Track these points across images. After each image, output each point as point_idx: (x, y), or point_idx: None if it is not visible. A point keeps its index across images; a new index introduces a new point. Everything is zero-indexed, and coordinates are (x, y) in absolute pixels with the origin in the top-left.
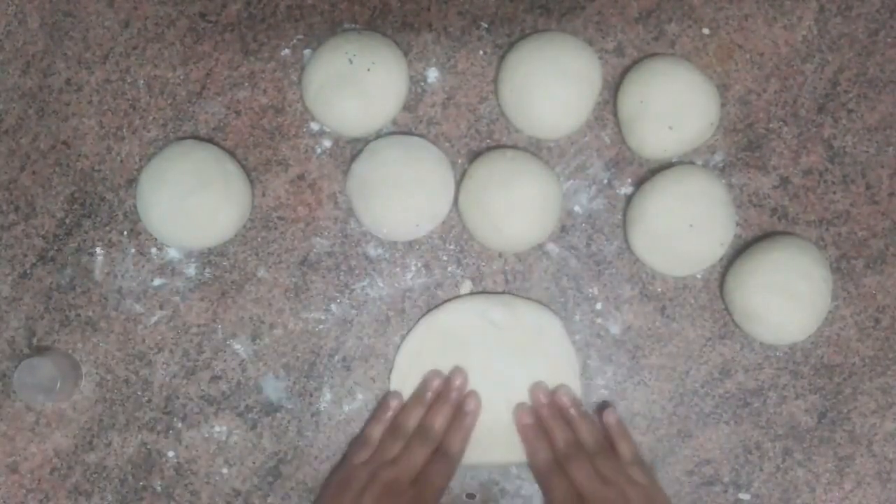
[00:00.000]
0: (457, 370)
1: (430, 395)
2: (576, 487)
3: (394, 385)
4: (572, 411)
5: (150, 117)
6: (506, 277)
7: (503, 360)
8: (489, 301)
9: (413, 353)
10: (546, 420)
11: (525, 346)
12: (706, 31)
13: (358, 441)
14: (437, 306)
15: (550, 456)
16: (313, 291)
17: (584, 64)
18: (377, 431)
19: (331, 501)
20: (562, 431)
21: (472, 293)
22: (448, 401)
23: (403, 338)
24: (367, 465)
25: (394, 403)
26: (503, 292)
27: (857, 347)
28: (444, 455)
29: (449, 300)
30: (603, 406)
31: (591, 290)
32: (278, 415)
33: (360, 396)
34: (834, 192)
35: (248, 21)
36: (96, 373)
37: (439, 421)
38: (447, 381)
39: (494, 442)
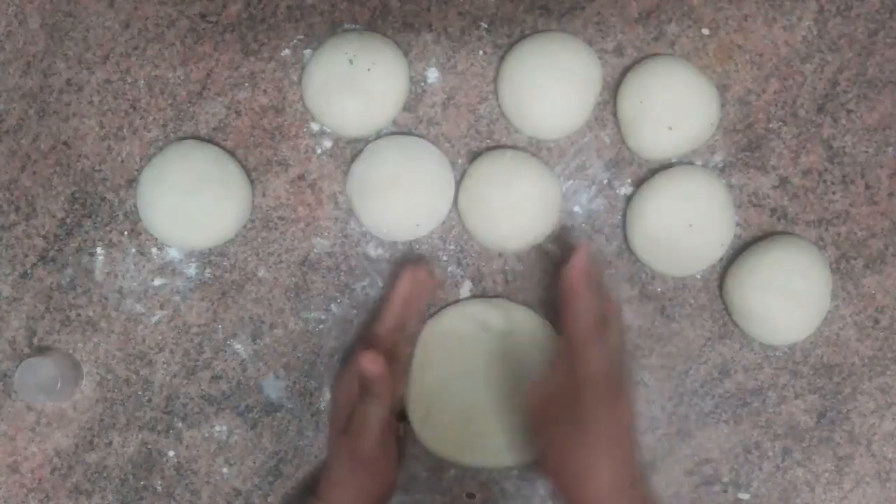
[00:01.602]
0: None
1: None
2: (607, 356)
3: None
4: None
5: (151, 117)
6: (506, 277)
7: (501, 366)
8: (487, 306)
9: (413, 361)
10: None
11: (522, 352)
12: (706, 31)
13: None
14: (435, 312)
15: (598, 313)
16: (313, 291)
17: (584, 64)
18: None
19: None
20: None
21: (470, 297)
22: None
23: None
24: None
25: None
26: (502, 295)
27: (857, 347)
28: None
29: (447, 305)
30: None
31: None
32: (278, 415)
33: None
34: (833, 193)
35: (249, 21)
36: (97, 372)
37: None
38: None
39: (494, 445)
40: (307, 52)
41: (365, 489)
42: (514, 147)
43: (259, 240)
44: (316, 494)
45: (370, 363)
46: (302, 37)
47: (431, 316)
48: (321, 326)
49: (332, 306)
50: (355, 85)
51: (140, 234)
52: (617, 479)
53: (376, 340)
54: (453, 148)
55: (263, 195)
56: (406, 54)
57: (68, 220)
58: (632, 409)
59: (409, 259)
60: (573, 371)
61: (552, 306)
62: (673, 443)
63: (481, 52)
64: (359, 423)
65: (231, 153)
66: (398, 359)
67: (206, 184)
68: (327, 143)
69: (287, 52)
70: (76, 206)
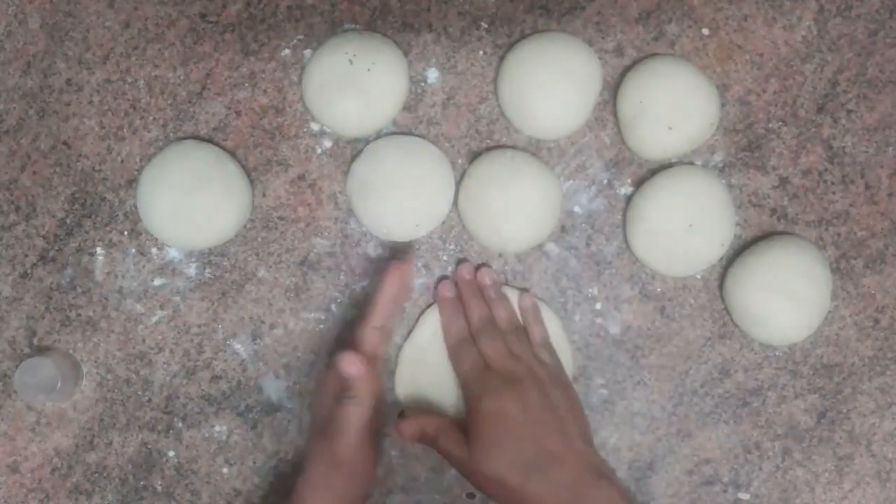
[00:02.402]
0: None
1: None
2: (484, 360)
3: (399, 391)
4: (491, 291)
5: (151, 117)
6: (506, 277)
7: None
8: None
9: (414, 357)
10: (465, 296)
11: None
12: (706, 31)
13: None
14: (432, 304)
15: (464, 328)
16: (313, 291)
17: (584, 64)
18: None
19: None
20: (478, 308)
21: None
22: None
23: (403, 340)
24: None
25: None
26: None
27: (857, 347)
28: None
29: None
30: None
31: (590, 290)
32: (278, 415)
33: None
34: (833, 193)
35: (249, 21)
36: (97, 372)
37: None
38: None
39: None
40: (307, 52)
41: (341, 492)
42: (514, 147)
43: (259, 240)
44: (290, 499)
45: (350, 364)
46: (302, 37)
47: (430, 307)
48: (321, 326)
49: (332, 306)
50: (355, 85)
51: (140, 234)
52: (519, 462)
53: (362, 340)
54: (453, 148)
55: (263, 195)
56: (406, 54)
57: (68, 220)
58: (543, 391)
59: (395, 255)
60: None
61: (551, 306)
62: (673, 443)
63: (481, 52)
64: (337, 425)
65: (231, 153)
66: (379, 358)
67: (206, 184)
68: (327, 143)
69: (287, 52)
70: (76, 206)
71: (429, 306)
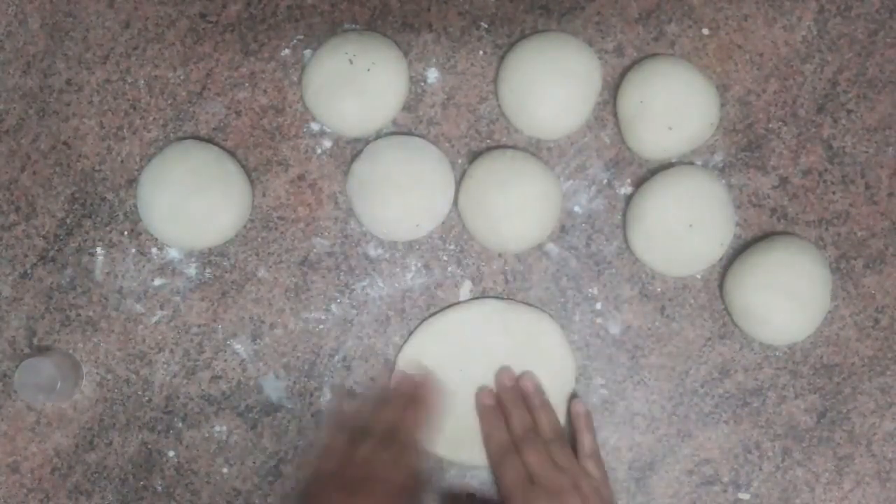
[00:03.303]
0: (422, 372)
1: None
2: (528, 471)
3: None
4: (534, 399)
5: (151, 117)
6: (506, 278)
7: (501, 365)
8: (487, 306)
9: (413, 360)
10: (506, 404)
11: (523, 350)
12: (706, 31)
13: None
14: (435, 313)
15: (506, 438)
16: (313, 291)
17: (584, 64)
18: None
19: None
20: (520, 416)
21: (470, 299)
22: (402, 394)
23: (403, 341)
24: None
25: (349, 407)
26: (502, 296)
27: (857, 347)
28: (394, 443)
29: (447, 307)
30: (573, 396)
31: (590, 290)
32: (278, 415)
33: (359, 396)
34: (833, 193)
35: (249, 21)
36: (97, 373)
37: (390, 414)
38: (405, 377)
39: None
40: (307, 52)
41: None
42: (514, 147)
43: (259, 240)
44: None
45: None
46: (302, 37)
47: (432, 315)
48: (321, 326)
49: (332, 306)
50: (355, 85)
51: (140, 234)
52: None
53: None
54: (453, 148)
55: (263, 195)
56: (406, 54)
57: (68, 220)
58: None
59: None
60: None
61: (550, 306)
62: (673, 443)
63: (481, 52)
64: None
65: (231, 153)
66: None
67: (206, 184)
68: (327, 143)
69: (287, 52)
70: (76, 206)
71: (429, 315)
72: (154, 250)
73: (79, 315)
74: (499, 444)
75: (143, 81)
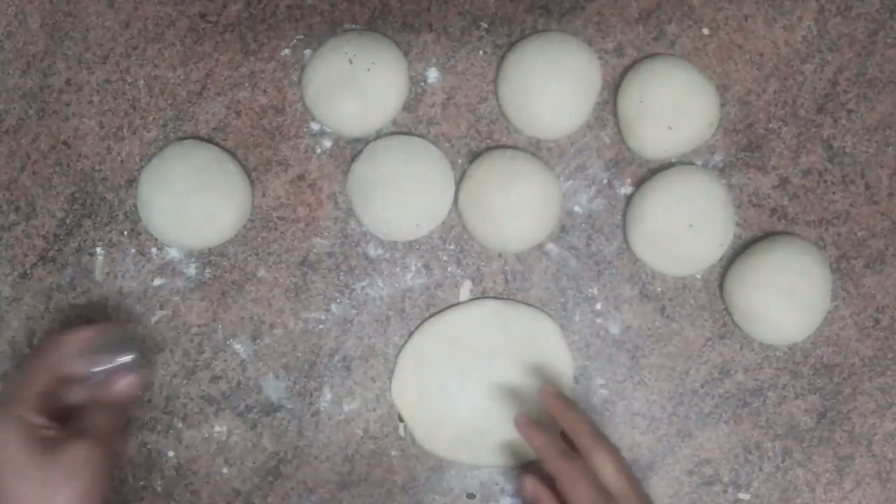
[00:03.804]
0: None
1: None
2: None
3: (395, 393)
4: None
5: (151, 117)
6: (506, 277)
7: (500, 365)
8: (487, 306)
9: (412, 362)
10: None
11: (522, 351)
12: (706, 31)
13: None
14: (434, 314)
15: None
16: (313, 291)
17: (584, 64)
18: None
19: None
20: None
21: (470, 299)
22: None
23: (404, 342)
24: None
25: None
26: (502, 295)
27: (857, 347)
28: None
29: (447, 308)
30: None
31: (590, 290)
32: (278, 415)
33: (359, 396)
34: (833, 193)
35: (249, 21)
36: None
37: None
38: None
39: (492, 445)
40: (307, 52)
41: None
42: (514, 147)
43: (259, 240)
44: None
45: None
46: (302, 37)
47: (432, 315)
48: (321, 326)
49: (332, 306)
50: (355, 85)
51: (140, 234)
52: None
53: None
54: (453, 148)
55: (263, 195)
56: (406, 54)
57: (68, 220)
58: None
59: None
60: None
61: (550, 306)
62: (673, 443)
63: (481, 52)
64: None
65: (231, 153)
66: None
67: (205, 184)
68: (327, 143)
69: (287, 52)
70: (76, 206)
71: (429, 316)
72: (154, 250)
73: (79, 315)
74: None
75: (143, 81)
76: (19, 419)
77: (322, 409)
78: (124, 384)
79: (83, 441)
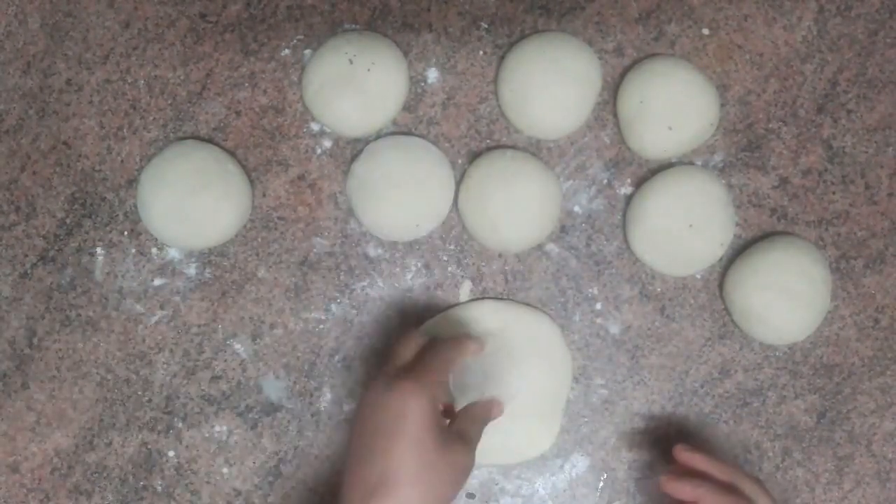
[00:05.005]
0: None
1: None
2: None
3: None
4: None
5: (151, 117)
6: (506, 278)
7: (500, 365)
8: (487, 306)
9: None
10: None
11: (522, 351)
12: (706, 31)
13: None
14: (434, 315)
15: None
16: (313, 291)
17: (584, 64)
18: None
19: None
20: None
21: (470, 300)
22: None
23: None
24: None
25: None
26: (502, 296)
27: (857, 347)
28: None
29: (447, 308)
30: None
31: (590, 290)
32: (278, 415)
33: (359, 396)
34: (833, 193)
35: (249, 21)
36: (97, 373)
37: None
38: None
39: (492, 444)
40: (307, 52)
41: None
42: (514, 147)
43: (259, 240)
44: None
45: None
46: (302, 37)
47: (432, 316)
48: (321, 326)
49: (332, 306)
50: (355, 85)
51: (140, 234)
52: None
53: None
54: (453, 148)
55: (263, 195)
56: (406, 54)
57: (68, 220)
58: None
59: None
60: None
61: (550, 306)
62: (673, 443)
63: (481, 52)
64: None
65: (231, 153)
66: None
67: (205, 184)
68: (327, 143)
69: (287, 52)
70: (76, 206)
71: (429, 317)
72: (154, 250)
73: (79, 315)
74: None
75: (143, 81)
76: (433, 400)
77: (322, 409)
78: (497, 409)
79: (469, 448)
